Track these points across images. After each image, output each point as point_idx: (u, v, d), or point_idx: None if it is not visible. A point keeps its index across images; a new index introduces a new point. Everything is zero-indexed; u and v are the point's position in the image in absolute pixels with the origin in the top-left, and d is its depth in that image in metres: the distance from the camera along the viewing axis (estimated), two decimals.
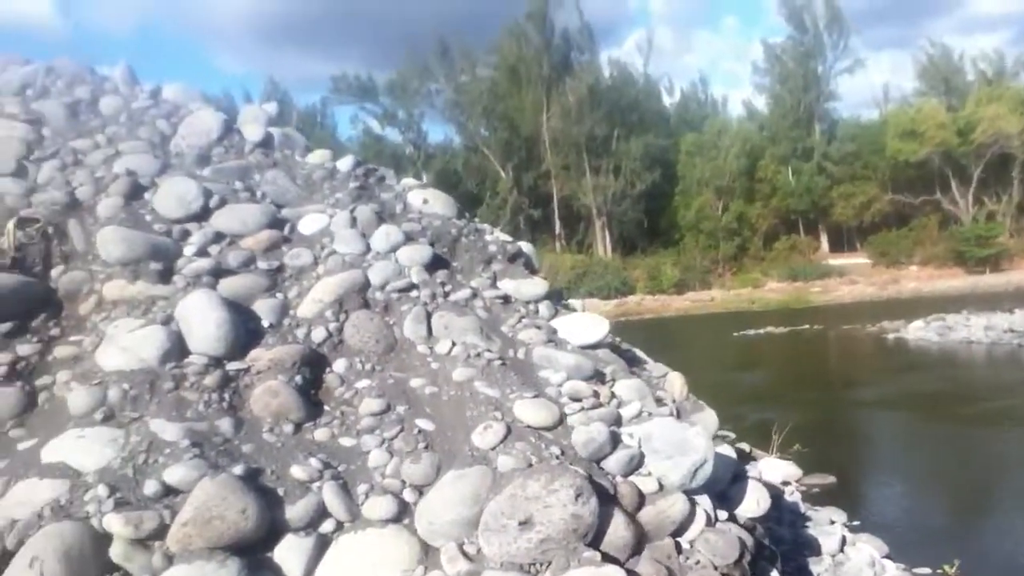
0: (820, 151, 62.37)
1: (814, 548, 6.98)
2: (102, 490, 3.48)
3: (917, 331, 26.03)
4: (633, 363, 5.58)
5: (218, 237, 5.12)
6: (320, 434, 4.14)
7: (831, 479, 10.24)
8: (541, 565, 3.51)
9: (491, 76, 66.48)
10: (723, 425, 6.17)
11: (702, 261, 58.97)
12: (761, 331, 31.67)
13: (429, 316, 4.86)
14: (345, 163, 6.11)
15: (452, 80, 66.59)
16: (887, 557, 7.33)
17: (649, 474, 4.11)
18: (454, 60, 66.24)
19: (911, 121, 59.25)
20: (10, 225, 4.73)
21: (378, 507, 3.73)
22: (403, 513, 3.76)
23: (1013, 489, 9.66)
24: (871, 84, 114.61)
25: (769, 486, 6.22)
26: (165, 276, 4.72)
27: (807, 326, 32.21)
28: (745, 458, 8.94)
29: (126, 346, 4.20)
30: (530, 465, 3.83)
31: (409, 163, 68.00)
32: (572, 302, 6.53)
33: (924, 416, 14.29)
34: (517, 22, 63.51)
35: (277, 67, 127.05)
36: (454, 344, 4.68)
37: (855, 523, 8.41)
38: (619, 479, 4.01)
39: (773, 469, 9.84)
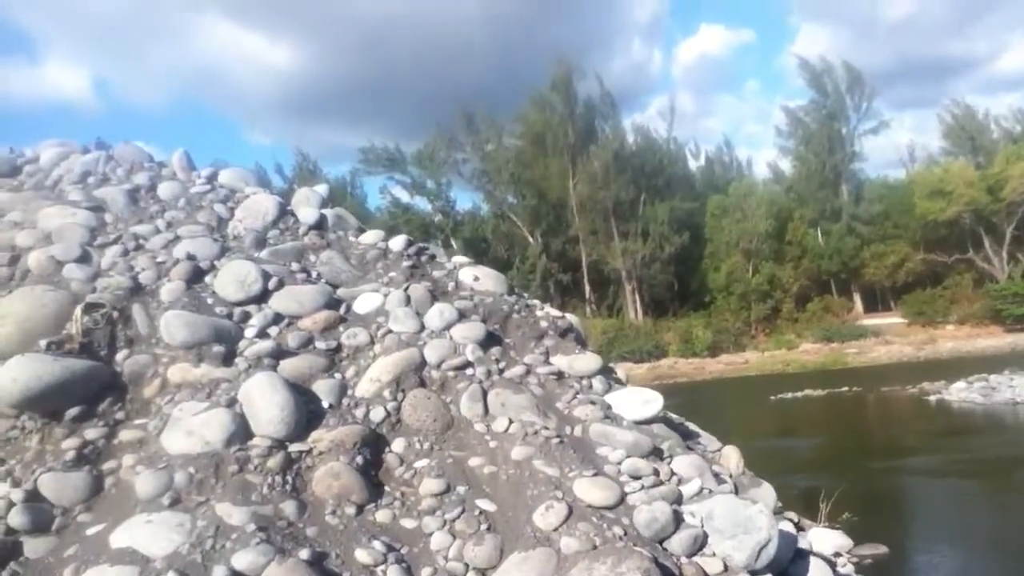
0: (848, 212, 62.25)
1: None
2: None
3: (960, 392, 25.48)
4: (687, 436, 5.56)
5: (277, 318, 5.21)
6: (382, 516, 4.15)
7: (883, 549, 9.98)
8: None
9: (517, 144, 67.48)
10: None
11: (735, 323, 58.51)
12: (799, 394, 31.20)
13: (485, 394, 4.89)
14: (397, 243, 6.22)
15: (478, 149, 67.57)
16: None
17: (713, 554, 4.06)
18: (480, 129, 67.35)
19: (939, 180, 59.18)
20: (77, 311, 4.85)
21: None
22: None
23: None
24: (895, 144, 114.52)
25: (821, 557, 6.10)
26: (228, 358, 4.80)
27: (846, 388, 31.68)
28: (795, 528, 8.77)
29: (191, 429, 4.26)
30: (594, 547, 3.81)
31: (438, 231, 68.75)
32: (617, 370, 6.53)
33: (976, 482, 13.93)
34: (541, 92, 64.64)
35: (305, 139, 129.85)
36: (511, 422, 4.70)
37: None
38: (684, 560, 3.97)
39: (823, 540, 9.59)
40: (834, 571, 7.50)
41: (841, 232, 61.34)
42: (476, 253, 62.96)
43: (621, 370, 6.75)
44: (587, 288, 65.18)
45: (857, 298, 64.02)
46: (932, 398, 25.96)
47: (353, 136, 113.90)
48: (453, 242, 65.41)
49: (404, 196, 70.88)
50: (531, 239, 64.88)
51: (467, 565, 3.87)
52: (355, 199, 73.41)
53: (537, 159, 64.76)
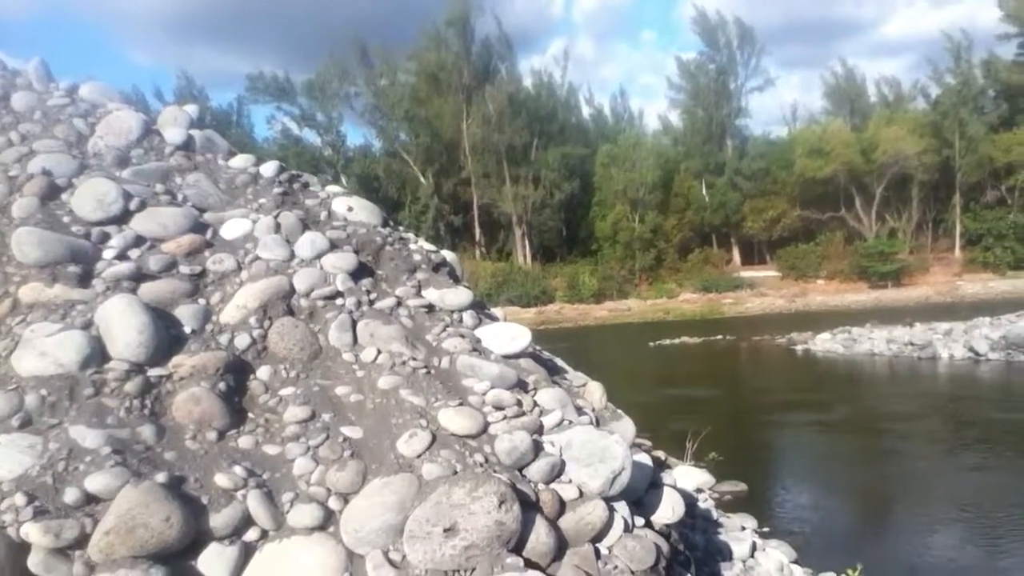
0: (732, 167, 64.43)
1: (726, 554, 7.23)
2: (19, 499, 3.39)
3: (824, 343, 27.08)
4: (554, 372, 5.70)
5: (138, 240, 5.01)
6: (244, 442, 4.11)
7: (742, 486, 10.60)
8: (465, 572, 3.58)
9: (412, 81, 66.31)
10: (640, 433, 6.37)
11: (620, 271, 60.00)
12: (676, 341, 32.45)
13: (354, 324, 4.87)
14: (269, 168, 6.04)
15: (371, 83, 66.15)
16: (795, 562, 7.65)
17: (570, 481, 4.22)
18: (373, 63, 65.81)
19: (818, 139, 61.78)
20: None
21: (303, 515, 3.74)
22: (328, 521, 3.78)
23: (911, 496, 10.17)
24: (780, 102, 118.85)
25: (683, 493, 6.43)
26: (84, 279, 4.60)
27: (720, 337, 33.13)
28: (661, 466, 9.15)
29: (44, 351, 4.09)
30: (455, 473, 3.90)
31: (328, 166, 67.29)
32: (495, 311, 6.62)
33: (831, 426, 14.91)
34: (437, 28, 63.51)
35: (191, 62, 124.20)
36: (379, 352, 4.71)
37: (765, 529, 8.74)
38: (541, 486, 4.11)
39: (687, 477, 10.12)
40: (691, 504, 7.93)
41: (724, 186, 63.43)
42: (367, 191, 62.53)
43: (500, 312, 6.83)
44: (478, 231, 65.46)
45: (736, 250, 66.69)
46: (799, 348, 27.53)
47: (244, 63, 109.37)
48: (343, 179, 64.22)
49: (294, 128, 68.98)
50: (423, 179, 64.37)
51: (329, 490, 3.90)
52: (241, 128, 71.10)
53: (431, 97, 64.03)
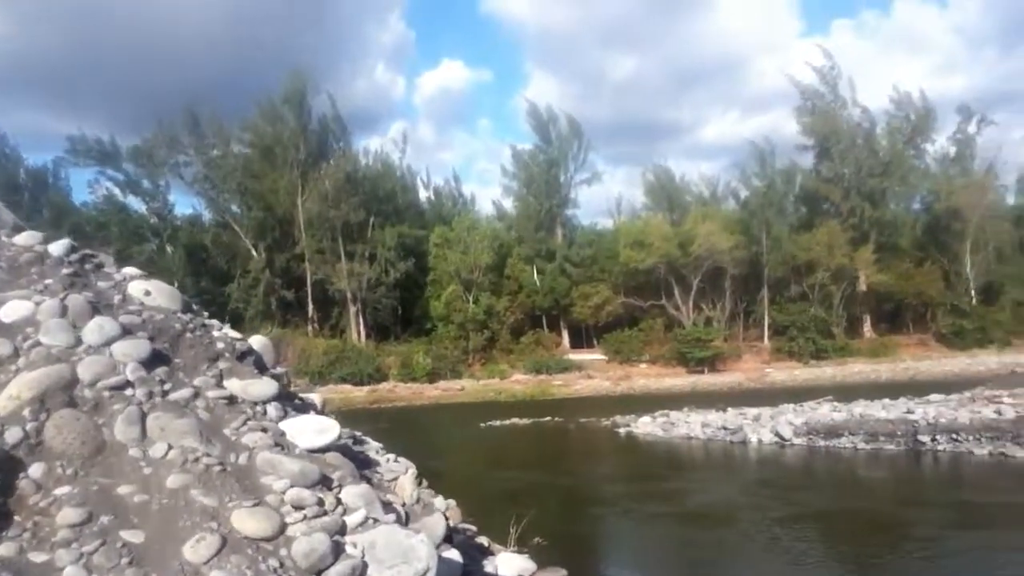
0: (562, 253, 66.68)
1: None
2: None
3: (645, 426, 28.02)
4: (365, 465, 5.54)
5: None
6: (7, 549, 3.70)
7: (563, 572, 10.58)
8: None
9: (245, 153, 64.96)
10: (465, 518, 6.27)
11: (453, 351, 60.09)
12: (507, 422, 32.61)
13: (144, 417, 4.54)
14: (58, 247, 5.62)
15: (202, 153, 64.23)
16: None
17: None
18: (204, 133, 64.02)
19: (640, 232, 65.19)
20: None
21: None
22: None
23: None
24: (608, 194, 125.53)
25: None
26: None
27: (549, 418, 33.59)
28: (484, 552, 9.04)
29: None
30: None
31: (153, 235, 64.34)
32: (313, 397, 6.40)
33: (650, 512, 15.28)
34: (273, 103, 62.83)
35: (4, 117, 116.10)
36: (170, 448, 4.40)
37: None
38: None
39: (509, 563, 9.99)
40: None
41: (555, 272, 65.43)
42: (195, 262, 60.02)
43: (318, 398, 6.62)
44: (311, 307, 63.98)
45: (565, 334, 68.45)
46: (622, 430, 28.32)
47: (66, 124, 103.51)
48: (169, 248, 61.44)
49: (118, 194, 65.68)
50: (255, 252, 62.54)
51: None
52: (59, 190, 67.18)
53: (266, 171, 62.80)
